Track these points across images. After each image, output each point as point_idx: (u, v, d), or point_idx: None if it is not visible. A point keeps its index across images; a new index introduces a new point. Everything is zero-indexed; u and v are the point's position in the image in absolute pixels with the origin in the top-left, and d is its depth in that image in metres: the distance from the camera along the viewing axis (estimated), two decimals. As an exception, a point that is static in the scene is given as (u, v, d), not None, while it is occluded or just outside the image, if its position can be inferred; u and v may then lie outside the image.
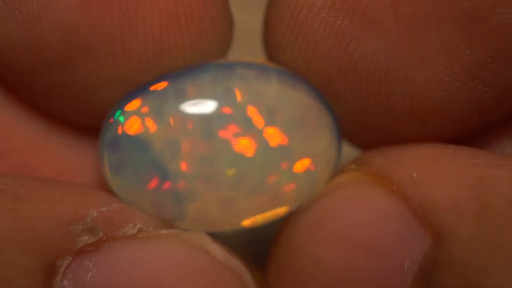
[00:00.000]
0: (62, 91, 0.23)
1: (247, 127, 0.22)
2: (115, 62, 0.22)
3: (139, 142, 0.22)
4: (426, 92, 0.22)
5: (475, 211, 0.20)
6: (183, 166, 0.22)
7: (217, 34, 0.23)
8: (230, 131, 0.22)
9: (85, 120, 0.24)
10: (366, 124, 0.23)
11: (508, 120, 0.24)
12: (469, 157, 0.21)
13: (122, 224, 0.21)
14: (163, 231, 0.22)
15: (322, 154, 0.23)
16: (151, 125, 0.22)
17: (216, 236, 0.23)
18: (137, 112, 0.22)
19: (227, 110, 0.22)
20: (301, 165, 0.22)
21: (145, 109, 0.22)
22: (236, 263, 0.23)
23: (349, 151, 0.25)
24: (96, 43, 0.22)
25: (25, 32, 0.22)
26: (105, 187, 0.23)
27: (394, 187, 0.21)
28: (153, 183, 0.22)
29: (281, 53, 0.23)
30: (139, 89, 0.22)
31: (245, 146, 0.22)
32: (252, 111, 0.22)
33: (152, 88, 0.22)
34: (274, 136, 0.22)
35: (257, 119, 0.22)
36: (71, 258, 0.20)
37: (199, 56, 0.23)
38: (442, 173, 0.21)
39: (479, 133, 0.24)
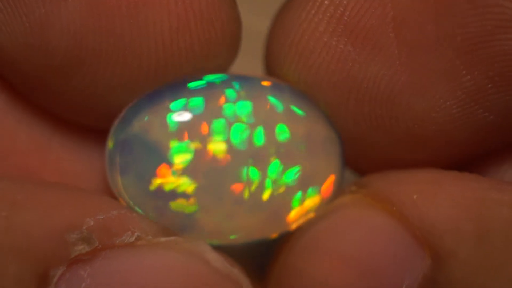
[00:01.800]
0: (71, 95, 0.23)
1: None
2: (125, 67, 0.22)
3: (152, 145, 0.22)
4: (428, 117, 0.22)
5: (475, 232, 0.20)
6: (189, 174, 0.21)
7: (227, 37, 0.23)
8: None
9: (93, 123, 0.24)
10: (366, 149, 0.23)
11: (509, 146, 0.24)
12: (470, 181, 0.21)
13: (119, 232, 0.21)
14: (162, 239, 0.22)
15: (328, 180, 0.23)
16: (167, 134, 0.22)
17: (217, 246, 0.23)
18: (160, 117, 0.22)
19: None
20: (309, 192, 0.22)
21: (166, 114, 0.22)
22: (235, 272, 0.23)
23: (349, 175, 0.25)
24: (106, 48, 0.22)
25: (33, 37, 0.22)
26: (108, 190, 0.23)
27: (394, 208, 0.21)
28: (158, 187, 0.22)
29: (282, 76, 0.23)
30: (158, 92, 0.22)
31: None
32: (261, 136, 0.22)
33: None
34: (279, 165, 0.22)
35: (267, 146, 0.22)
36: (65, 268, 0.20)
37: (209, 60, 0.23)
38: (442, 196, 0.21)
39: (480, 158, 0.24)
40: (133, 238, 0.21)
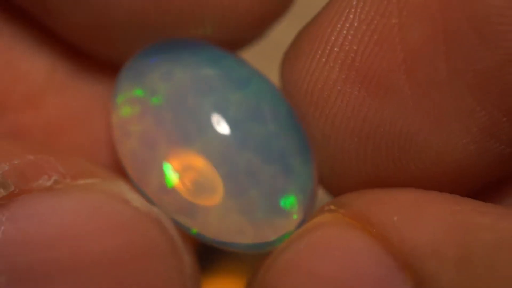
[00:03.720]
0: (83, 19, 0.23)
1: None
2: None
3: None
4: (445, 155, 0.22)
5: (457, 257, 0.20)
6: None
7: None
8: None
9: (98, 49, 0.25)
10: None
11: None
12: (452, 203, 0.21)
13: (36, 176, 0.21)
14: (80, 182, 0.22)
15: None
16: None
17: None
18: None
19: None
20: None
21: None
22: (155, 210, 0.23)
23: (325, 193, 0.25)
24: None
25: None
26: (98, 148, 0.24)
27: (374, 230, 0.21)
28: None
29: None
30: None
31: None
32: None
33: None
34: None
35: None
36: None
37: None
38: (424, 218, 0.21)
39: (494, 186, 0.24)
40: (51, 182, 0.21)
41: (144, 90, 0.23)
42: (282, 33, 0.26)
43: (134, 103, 0.23)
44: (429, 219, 0.21)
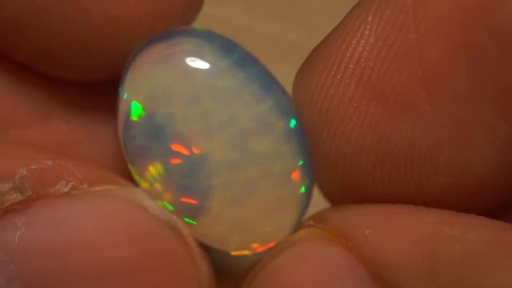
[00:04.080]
0: (35, 49, 0.23)
1: None
2: (76, 22, 0.22)
3: None
4: (468, 169, 0.21)
5: (426, 268, 0.20)
6: None
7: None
8: None
9: (74, 76, 0.24)
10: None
11: None
12: (422, 215, 0.21)
13: (53, 181, 0.21)
14: (98, 188, 0.22)
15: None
16: None
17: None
18: None
19: None
20: None
21: None
22: (174, 218, 0.23)
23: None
24: (54, 4, 0.22)
25: None
26: (109, 157, 0.24)
27: (349, 243, 0.21)
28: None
29: (311, 143, 0.22)
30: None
31: None
32: None
33: None
34: None
35: None
36: None
37: (166, 21, 0.23)
38: (394, 231, 0.21)
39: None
40: (68, 188, 0.21)
41: None
42: (282, 33, 0.26)
43: None
44: (399, 232, 0.21)
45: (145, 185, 0.23)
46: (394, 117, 0.21)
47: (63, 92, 0.25)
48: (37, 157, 0.21)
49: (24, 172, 0.21)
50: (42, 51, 0.23)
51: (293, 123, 0.22)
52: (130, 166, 0.23)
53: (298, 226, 0.23)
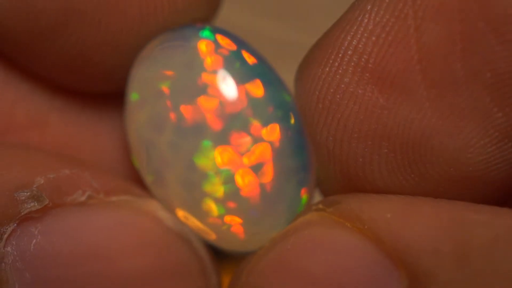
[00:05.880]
0: (58, 57, 0.23)
1: None
2: (109, 24, 0.22)
3: None
4: (463, 158, 0.21)
5: (454, 253, 0.20)
6: None
7: None
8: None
9: (86, 86, 0.24)
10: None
11: None
12: (444, 203, 0.21)
13: (70, 190, 0.21)
14: (113, 198, 0.22)
15: None
16: None
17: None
18: None
19: None
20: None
21: None
22: (186, 230, 0.23)
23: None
24: (90, 7, 0.22)
25: (18, 0, 0.22)
26: (104, 162, 0.24)
27: (365, 227, 0.21)
28: None
29: (313, 134, 0.22)
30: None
31: None
32: None
33: None
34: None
35: None
36: (16, 225, 0.21)
37: (190, 17, 0.23)
38: (417, 215, 0.20)
39: None
40: (84, 197, 0.22)
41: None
42: (282, 33, 0.26)
43: None
44: (423, 216, 0.20)
45: None
46: (390, 101, 0.21)
47: (62, 95, 0.25)
48: (55, 165, 0.22)
49: (42, 181, 0.21)
50: (68, 61, 0.23)
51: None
52: None
53: (305, 209, 0.22)
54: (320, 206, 0.22)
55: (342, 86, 0.21)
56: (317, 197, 0.23)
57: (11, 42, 0.23)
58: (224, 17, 0.26)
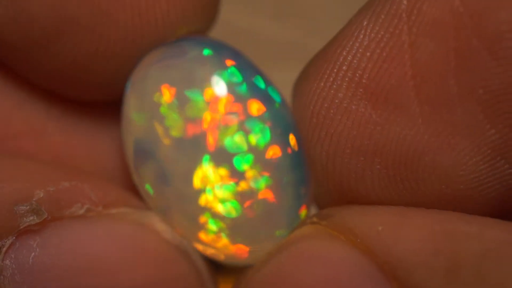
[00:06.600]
0: (53, 65, 0.23)
1: None
2: (103, 33, 0.22)
3: None
4: (455, 175, 0.21)
5: (445, 267, 0.20)
6: None
7: (203, 6, 0.23)
8: None
9: (81, 94, 0.24)
10: None
11: None
12: (436, 214, 0.21)
13: (69, 203, 0.21)
14: (112, 211, 0.22)
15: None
16: None
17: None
18: None
19: None
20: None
21: None
22: (184, 243, 0.23)
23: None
24: (84, 16, 0.22)
25: (13, 8, 0.22)
26: (102, 171, 0.24)
27: (358, 240, 0.21)
28: None
29: (309, 150, 0.22)
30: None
31: None
32: None
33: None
34: None
35: None
36: (14, 238, 0.21)
37: (185, 28, 0.23)
38: (409, 228, 0.20)
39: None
40: (83, 210, 0.22)
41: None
42: (282, 33, 0.26)
43: None
44: (415, 228, 0.20)
45: None
46: (383, 117, 0.21)
47: (60, 104, 0.25)
48: (54, 177, 0.22)
49: (42, 194, 0.21)
50: (63, 69, 0.23)
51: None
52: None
53: (300, 223, 0.23)
54: (315, 219, 0.22)
55: (336, 101, 0.21)
56: (313, 209, 0.23)
57: (7, 49, 0.23)
58: (224, 17, 0.26)
